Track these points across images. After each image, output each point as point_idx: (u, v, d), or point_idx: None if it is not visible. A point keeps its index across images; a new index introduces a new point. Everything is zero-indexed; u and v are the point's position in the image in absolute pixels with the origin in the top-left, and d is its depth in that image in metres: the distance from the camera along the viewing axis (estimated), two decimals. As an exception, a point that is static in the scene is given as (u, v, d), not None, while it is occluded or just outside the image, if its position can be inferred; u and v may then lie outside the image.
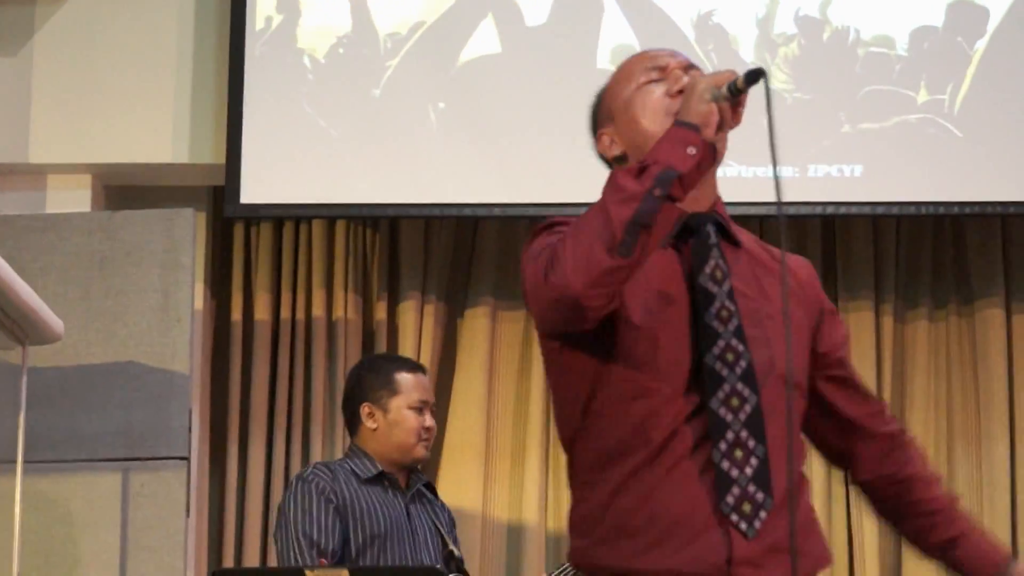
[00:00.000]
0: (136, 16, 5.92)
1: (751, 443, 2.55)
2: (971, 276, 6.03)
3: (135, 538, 5.02)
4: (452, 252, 6.16)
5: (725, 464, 2.53)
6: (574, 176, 5.70)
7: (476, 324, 6.07)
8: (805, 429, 2.77)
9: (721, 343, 2.57)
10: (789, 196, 5.79)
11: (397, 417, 4.50)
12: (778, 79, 5.77)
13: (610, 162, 2.75)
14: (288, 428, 6.00)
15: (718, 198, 2.70)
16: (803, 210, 5.76)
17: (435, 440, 5.92)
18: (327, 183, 5.81)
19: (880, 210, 5.84)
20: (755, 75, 2.53)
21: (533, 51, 5.85)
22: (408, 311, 6.06)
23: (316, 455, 5.94)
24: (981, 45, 5.86)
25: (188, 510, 5.12)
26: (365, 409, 4.51)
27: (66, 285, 5.14)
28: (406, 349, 6.01)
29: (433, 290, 6.09)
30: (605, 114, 2.79)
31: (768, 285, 2.68)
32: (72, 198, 5.90)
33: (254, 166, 5.78)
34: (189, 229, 5.25)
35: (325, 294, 6.07)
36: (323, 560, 4.19)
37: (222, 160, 5.78)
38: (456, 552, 4.49)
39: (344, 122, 5.84)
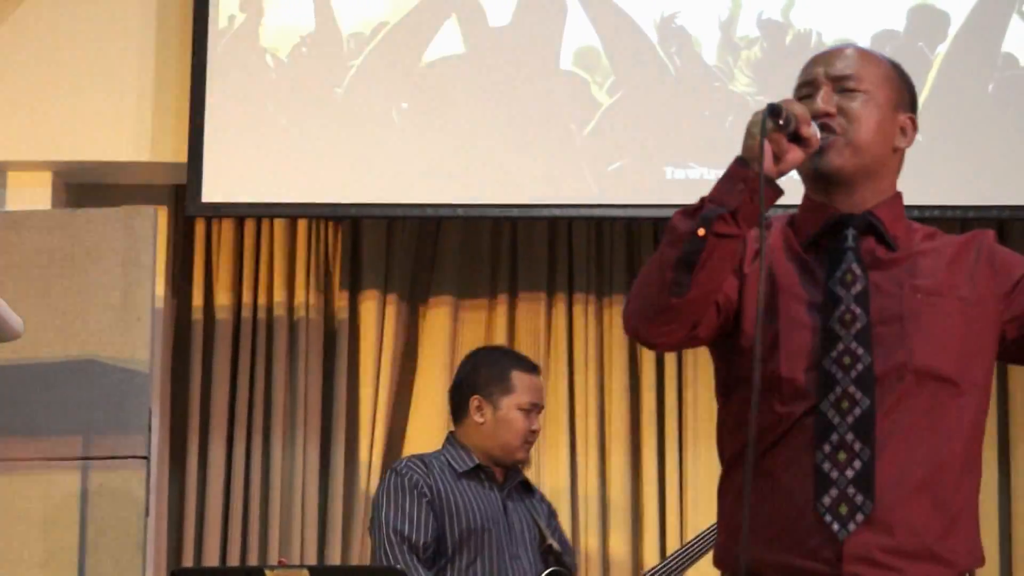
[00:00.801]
0: (98, 13, 5.90)
1: (857, 445, 2.58)
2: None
3: (94, 538, 5.01)
4: (414, 251, 6.16)
5: (826, 466, 2.58)
6: (537, 177, 5.75)
7: (438, 323, 6.07)
8: None
9: (840, 346, 2.61)
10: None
11: (507, 416, 4.46)
12: (740, 82, 5.79)
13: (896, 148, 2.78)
14: (249, 427, 5.98)
15: (888, 199, 2.72)
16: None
17: (396, 437, 5.98)
18: (289, 182, 5.80)
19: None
20: (771, 111, 2.54)
21: (496, 52, 5.85)
22: (370, 309, 6.06)
23: (276, 454, 5.94)
24: (942, 49, 5.89)
25: (148, 509, 5.11)
26: (475, 402, 4.48)
27: (26, 283, 5.13)
28: (367, 347, 6.01)
29: (395, 288, 6.09)
30: (912, 100, 2.86)
31: (928, 280, 2.68)
32: (32, 195, 5.88)
33: (216, 165, 5.76)
34: (150, 227, 5.24)
35: (287, 292, 6.06)
36: (279, 560, 4.17)
37: (184, 158, 5.76)
38: (555, 545, 4.44)
39: (307, 121, 5.82)
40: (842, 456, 2.57)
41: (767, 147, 2.51)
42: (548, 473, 5.94)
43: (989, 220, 5.97)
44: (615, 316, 6.03)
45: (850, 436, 2.58)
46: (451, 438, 4.52)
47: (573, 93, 5.82)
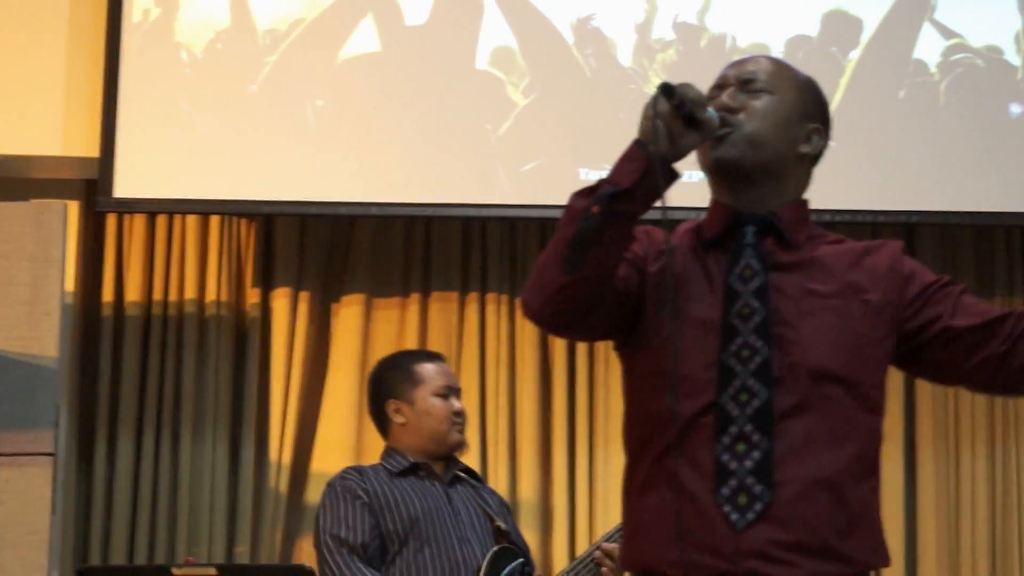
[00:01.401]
0: (10, 6, 5.84)
1: (755, 437, 2.59)
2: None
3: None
4: (327, 249, 6.13)
5: (725, 457, 2.59)
6: (451, 176, 5.76)
7: (350, 321, 6.05)
8: (977, 384, 2.79)
9: (739, 340, 2.64)
10: (673, 201, 5.90)
11: (425, 406, 4.44)
12: (655, 85, 5.79)
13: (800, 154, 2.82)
14: (158, 424, 5.93)
15: (792, 203, 2.76)
16: (678, 215, 5.76)
17: (306, 436, 5.96)
18: (202, 179, 5.77)
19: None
20: (664, 90, 2.58)
21: (412, 51, 5.85)
22: (282, 307, 6.03)
23: (185, 451, 5.90)
24: (855, 55, 5.95)
25: (54, 507, 5.06)
26: (391, 406, 4.47)
27: (-66, 276, 5.08)
28: (279, 346, 5.99)
29: (307, 286, 6.07)
30: (823, 114, 2.91)
31: (825, 280, 2.70)
32: (-58, 189, 5.82)
33: (129, 160, 5.72)
34: (60, 222, 5.20)
35: (198, 289, 6.02)
36: (194, 562, 4.15)
37: (96, 153, 5.72)
38: (503, 526, 4.40)
39: (221, 118, 5.80)
40: (741, 447, 2.59)
41: (662, 128, 2.54)
42: (459, 472, 5.94)
43: (899, 225, 6.05)
44: (527, 317, 6.03)
45: (749, 427, 2.59)
46: (387, 449, 4.50)
47: (488, 93, 5.83)
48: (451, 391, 4.48)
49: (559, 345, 6.03)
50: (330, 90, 5.80)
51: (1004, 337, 2.69)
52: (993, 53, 5.99)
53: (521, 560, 4.37)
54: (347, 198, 5.78)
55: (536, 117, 5.82)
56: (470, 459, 5.84)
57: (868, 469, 2.70)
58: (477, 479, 4.60)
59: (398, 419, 4.45)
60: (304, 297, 6.05)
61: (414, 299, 6.09)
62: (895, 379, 6.06)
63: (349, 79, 5.81)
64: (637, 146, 2.57)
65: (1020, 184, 5.96)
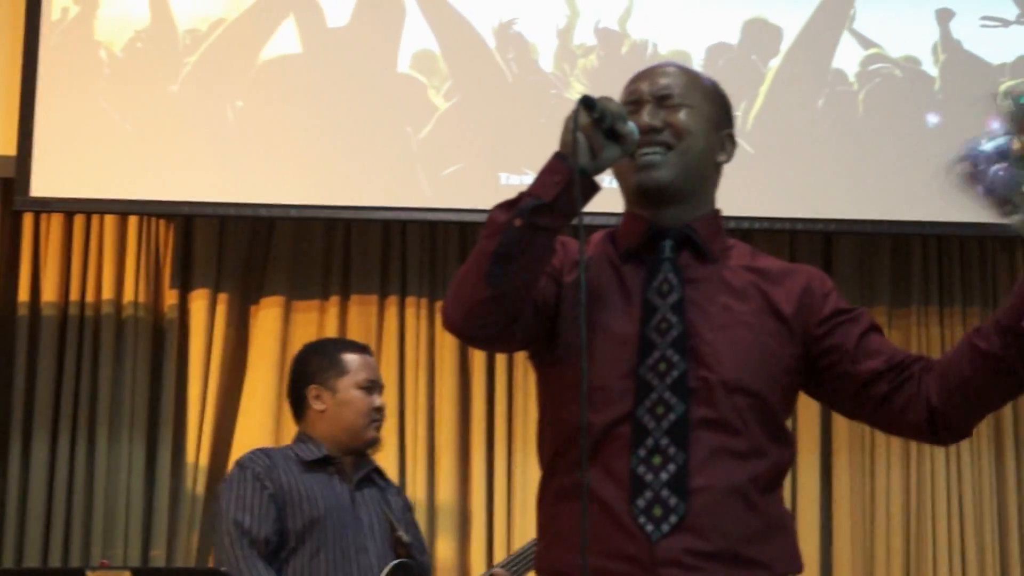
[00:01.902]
0: (-74, 1, 5.79)
1: (671, 450, 2.60)
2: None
3: (-91, 536, 4.91)
4: (246, 251, 6.11)
5: (641, 469, 2.60)
6: (371, 179, 5.75)
7: (268, 323, 6.03)
8: (880, 423, 2.78)
9: (656, 354, 2.65)
10: (588, 207, 5.90)
11: (346, 397, 4.41)
12: (576, 90, 5.83)
13: (717, 163, 2.82)
14: (74, 425, 5.89)
15: (707, 215, 2.77)
16: (598, 220, 5.79)
17: (223, 438, 5.93)
18: (121, 179, 5.73)
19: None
20: (585, 103, 2.57)
21: (334, 53, 5.83)
22: (200, 308, 6.00)
23: (102, 452, 5.86)
24: (775, 64, 5.98)
25: (-34, 507, 5.02)
26: (312, 391, 4.42)
27: None
28: (196, 348, 5.95)
29: (226, 288, 6.04)
30: (730, 118, 2.88)
31: (740, 295, 2.72)
32: None
33: (46, 159, 5.68)
34: (-26, 221, 5.15)
35: (115, 289, 5.97)
36: (102, 561, 4.11)
37: (13, 151, 5.68)
38: (404, 537, 4.36)
39: (140, 117, 5.76)
40: (657, 460, 2.60)
41: (582, 140, 2.54)
42: (377, 476, 5.93)
43: (816, 233, 6.09)
44: (447, 320, 6.03)
45: (665, 440, 2.60)
46: (299, 434, 4.46)
47: (410, 96, 5.83)
48: (374, 385, 4.46)
49: (478, 350, 6.04)
50: (250, 91, 5.78)
51: (893, 381, 2.70)
52: (911, 63, 6.05)
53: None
54: (267, 200, 5.76)
55: (457, 121, 5.82)
56: (388, 462, 5.85)
57: (776, 480, 2.72)
58: (384, 478, 4.57)
59: (317, 405, 4.41)
60: (223, 298, 6.02)
61: (333, 301, 6.07)
62: (811, 386, 6.10)
63: (270, 80, 5.79)
64: (558, 159, 2.56)
65: (937, 194, 5.90)
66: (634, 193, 2.74)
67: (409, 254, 6.10)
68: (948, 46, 6.08)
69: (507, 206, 2.56)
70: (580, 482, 2.59)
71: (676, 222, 2.73)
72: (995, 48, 6.11)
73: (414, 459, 5.99)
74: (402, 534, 4.38)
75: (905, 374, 2.69)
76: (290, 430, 5.94)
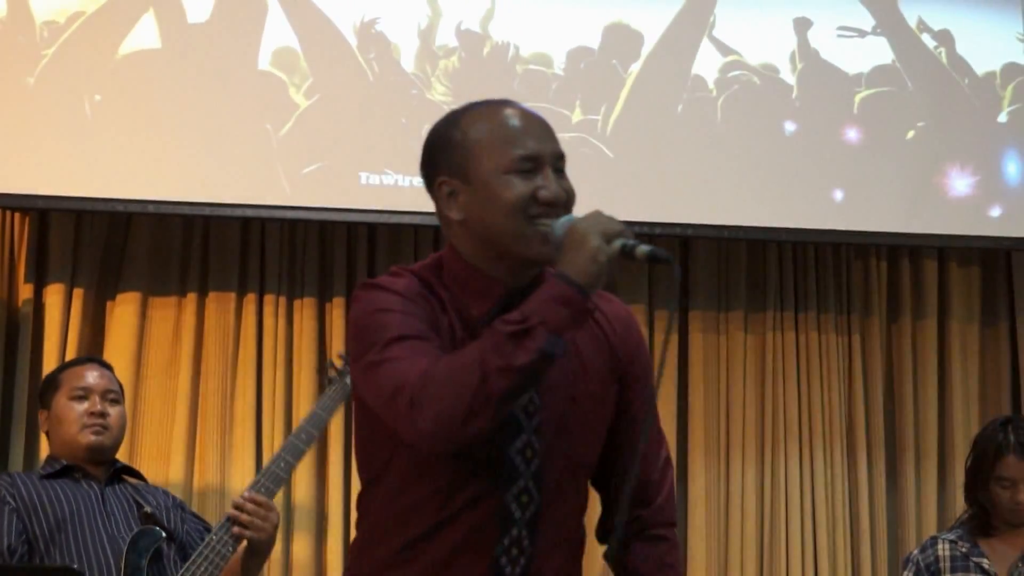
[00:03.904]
0: None
1: (525, 543, 2.59)
2: (617, 289, 6.18)
3: None
4: (103, 246, 6.04)
5: (503, 561, 2.60)
6: (230, 176, 5.72)
7: (125, 319, 5.96)
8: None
9: (524, 437, 2.59)
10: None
11: (58, 412, 4.44)
12: (438, 91, 5.84)
13: (442, 212, 2.65)
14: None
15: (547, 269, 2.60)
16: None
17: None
18: (-26, 170, 5.65)
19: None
20: (663, 259, 2.47)
21: (194, 48, 5.79)
22: (55, 303, 5.92)
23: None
24: (635, 68, 6.03)
25: None
26: (41, 416, 4.50)
27: None
28: (51, 343, 5.88)
29: (82, 283, 5.96)
30: (455, 165, 2.62)
31: (584, 355, 2.66)
32: None
33: (-101, 150, 5.60)
34: None
35: (-31, 283, 5.91)
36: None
37: None
38: (147, 508, 4.35)
39: (-5, 109, 5.69)
40: (515, 552, 2.60)
41: (604, 274, 2.44)
42: (235, 474, 5.89)
43: (674, 237, 6.14)
44: (305, 318, 6.02)
45: (524, 533, 2.60)
46: (46, 458, 4.54)
47: (270, 94, 5.80)
48: (87, 392, 4.46)
49: (337, 346, 6.02)
50: (109, 85, 5.72)
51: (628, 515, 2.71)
52: (769, 71, 6.13)
53: (163, 535, 4.31)
54: (124, 195, 5.70)
55: (318, 119, 5.81)
56: (246, 461, 5.84)
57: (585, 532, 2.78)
58: (141, 479, 4.60)
59: (44, 427, 4.50)
60: (78, 293, 5.95)
61: (191, 298, 6.03)
62: (667, 389, 6.17)
63: (128, 74, 5.73)
64: (578, 292, 2.41)
65: (793, 200, 6.10)
66: (519, 261, 2.59)
67: (268, 252, 6.08)
68: (806, 55, 6.17)
69: (517, 337, 2.39)
70: (422, 554, 2.60)
71: (527, 278, 2.62)
72: (852, 58, 6.22)
73: (271, 456, 5.95)
74: (146, 506, 4.37)
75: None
76: (145, 429, 5.94)
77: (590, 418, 2.67)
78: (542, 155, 2.58)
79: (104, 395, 4.49)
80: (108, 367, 4.68)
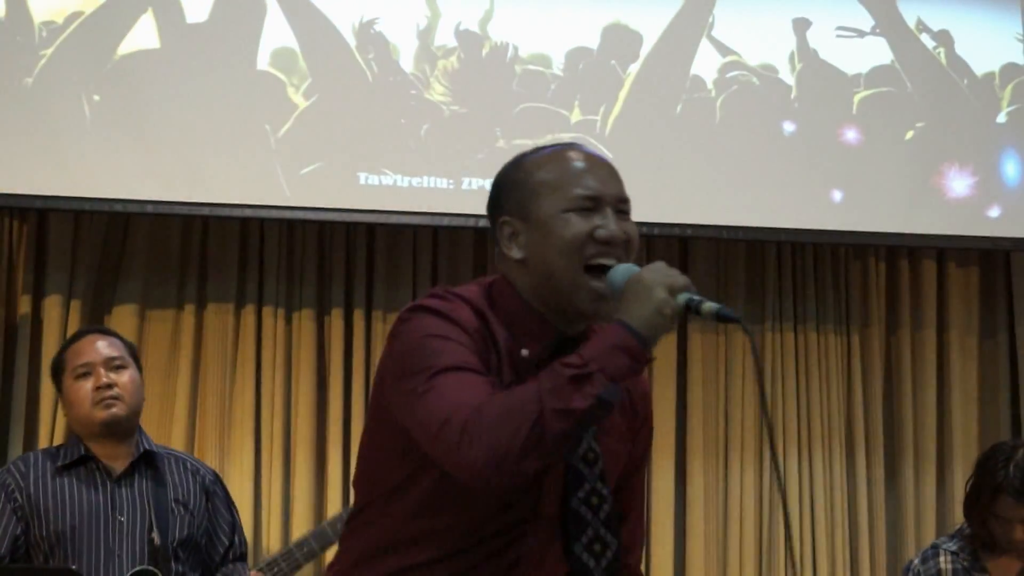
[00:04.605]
0: None
1: None
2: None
3: None
4: (101, 247, 6.03)
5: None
6: (229, 177, 5.71)
7: (124, 321, 5.94)
8: None
9: (587, 487, 2.58)
10: (443, 208, 5.89)
11: (68, 394, 4.37)
12: (436, 91, 5.83)
13: (503, 252, 2.63)
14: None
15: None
16: (456, 222, 5.84)
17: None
18: (-28, 171, 5.64)
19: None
20: (730, 319, 2.43)
21: (192, 49, 5.78)
22: (54, 305, 5.91)
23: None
24: (634, 69, 6.03)
25: None
26: (60, 401, 4.45)
27: None
28: (50, 346, 5.85)
29: (80, 285, 5.95)
30: (517, 205, 2.60)
31: (622, 414, 2.67)
32: None
33: (-103, 151, 5.59)
34: None
35: (-34, 287, 5.90)
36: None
37: None
38: (156, 540, 4.24)
39: (-6, 110, 5.68)
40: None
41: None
42: (233, 477, 5.88)
43: (673, 238, 6.14)
44: (304, 320, 6.01)
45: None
46: (68, 436, 4.51)
47: (269, 94, 5.79)
48: (89, 367, 4.36)
49: (336, 349, 6.02)
50: (107, 85, 5.71)
51: None
52: (768, 72, 6.12)
53: None
54: (123, 195, 5.69)
55: (316, 120, 5.80)
56: (244, 465, 5.83)
57: None
58: (161, 460, 4.42)
59: (62, 410, 4.49)
60: (77, 297, 5.93)
61: (189, 301, 6.02)
62: (667, 390, 6.17)
63: (127, 75, 5.72)
64: (641, 345, 2.39)
65: (792, 201, 6.10)
66: (573, 311, 2.57)
67: (267, 252, 6.07)
68: (805, 55, 6.17)
69: (577, 382, 2.35)
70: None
71: (577, 330, 2.60)
72: (851, 58, 6.22)
73: (270, 462, 5.95)
74: (155, 535, 4.27)
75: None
76: (144, 428, 5.92)
77: (619, 463, 2.69)
78: (603, 196, 2.56)
79: (107, 364, 4.37)
80: (110, 333, 4.55)
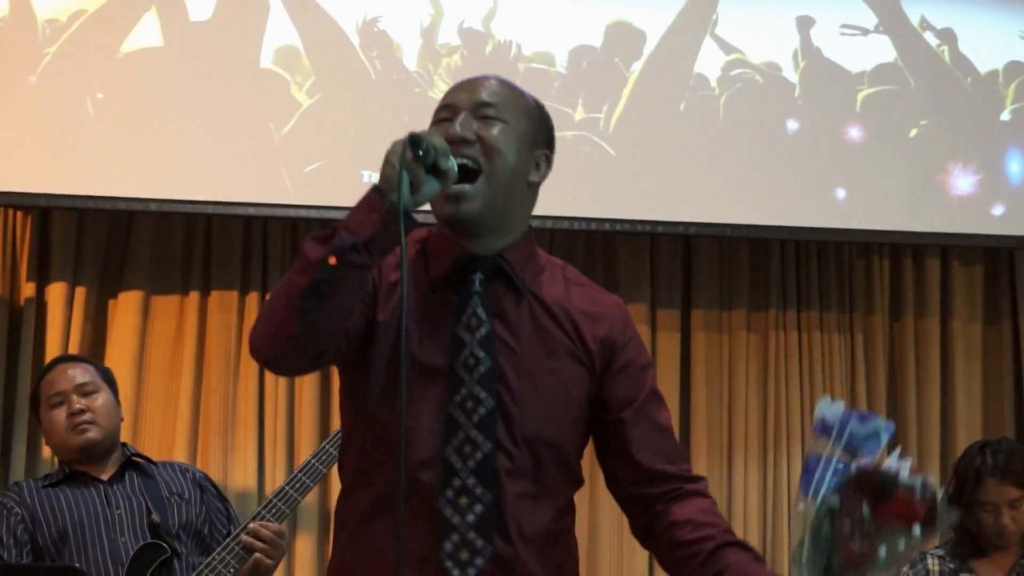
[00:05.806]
0: None
1: (478, 490, 2.59)
2: (619, 288, 6.18)
3: None
4: (105, 245, 6.04)
5: (448, 511, 2.58)
6: (233, 175, 5.71)
7: (127, 317, 5.96)
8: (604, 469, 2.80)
9: (464, 391, 2.61)
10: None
11: (46, 424, 4.50)
12: (440, 89, 5.82)
13: (530, 183, 2.74)
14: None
15: (519, 241, 2.72)
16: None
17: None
18: (-24, 169, 5.65)
19: (533, 223, 5.93)
20: (412, 140, 2.49)
21: (196, 46, 5.78)
22: (57, 301, 5.92)
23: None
24: (637, 67, 6.02)
25: None
26: (41, 430, 4.58)
27: None
28: (53, 342, 5.88)
29: (84, 282, 5.96)
30: (549, 138, 2.79)
31: (548, 337, 2.69)
32: None
33: (-99, 148, 5.59)
34: None
35: (-29, 281, 5.90)
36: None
37: None
38: (157, 519, 4.33)
39: (-2, 107, 5.69)
40: (464, 501, 2.59)
41: (407, 177, 2.47)
42: (237, 473, 5.89)
43: (677, 236, 6.14)
44: (308, 317, 6.01)
45: (471, 480, 2.59)
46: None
47: (272, 92, 5.80)
48: (62, 396, 4.47)
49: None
50: (111, 83, 5.71)
51: (649, 502, 2.77)
52: (772, 70, 6.12)
53: (168, 552, 4.30)
54: (126, 193, 5.70)
55: (320, 118, 5.80)
56: (248, 461, 5.83)
57: (571, 519, 2.75)
58: (152, 463, 4.56)
59: (45, 442, 4.58)
60: (80, 292, 5.95)
61: (193, 297, 6.02)
62: (670, 390, 6.17)
63: (131, 73, 5.73)
64: (377, 194, 2.49)
65: (796, 199, 6.09)
66: (444, 223, 2.67)
67: (270, 250, 6.07)
68: (808, 53, 6.16)
69: (321, 240, 2.47)
70: (384, 516, 2.59)
71: (488, 250, 2.68)
72: (854, 56, 6.21)
73: (273, 458, 5.95)
74: (154, 516, 4.35)
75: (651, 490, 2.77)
76: (147, 425, 5.93)
77: (548, 399, 2.67)
78: (456, 104, 2.70)
79: (79, 390, 4.48)
80: (82, 360, 4.69)
